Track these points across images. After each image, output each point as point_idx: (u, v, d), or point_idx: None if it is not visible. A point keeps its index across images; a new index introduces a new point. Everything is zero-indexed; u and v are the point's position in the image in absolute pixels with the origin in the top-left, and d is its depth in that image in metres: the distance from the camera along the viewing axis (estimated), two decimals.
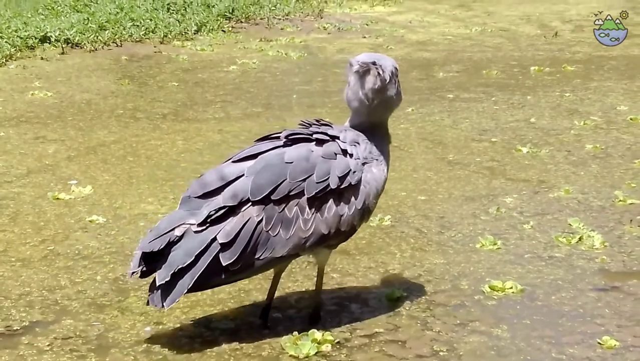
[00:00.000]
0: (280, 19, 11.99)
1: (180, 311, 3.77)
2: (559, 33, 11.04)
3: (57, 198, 5.17)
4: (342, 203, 3.48)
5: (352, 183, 3.48)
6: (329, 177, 3.43)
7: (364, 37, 10.94)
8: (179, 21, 10.89)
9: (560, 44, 10.40)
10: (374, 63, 3.52)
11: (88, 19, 10.50)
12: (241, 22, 11.71)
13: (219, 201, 3.38)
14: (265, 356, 3.43)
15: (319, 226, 3.45)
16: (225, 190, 3.41)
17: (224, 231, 3.33)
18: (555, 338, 3.57)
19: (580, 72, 8.80)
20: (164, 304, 3.28)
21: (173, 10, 11.48)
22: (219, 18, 11.43)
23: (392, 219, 4.83)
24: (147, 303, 3.41)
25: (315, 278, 3.74)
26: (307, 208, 3.43)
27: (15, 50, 9.29)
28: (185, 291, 3.30)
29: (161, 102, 7.59)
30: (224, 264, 3.32)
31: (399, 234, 4.65)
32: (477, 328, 3.65)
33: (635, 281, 4.10)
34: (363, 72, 3.52)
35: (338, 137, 3.53)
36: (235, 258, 3.33)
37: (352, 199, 3.51)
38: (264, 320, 3.70)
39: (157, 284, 3.28)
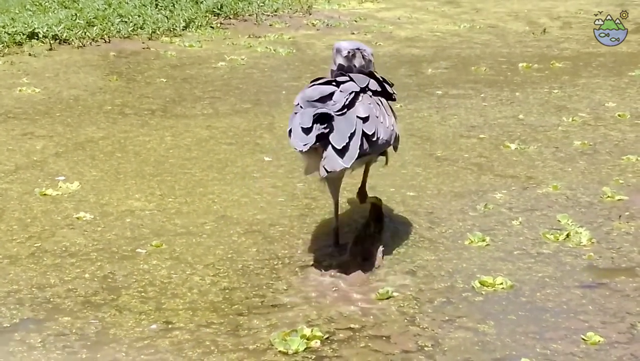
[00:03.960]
0: (268, 16, 11.97)
1: (184, 311, 3.78)
2: (547, 30, 11.04)
3: (45, 194, 5.15)
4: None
5: None
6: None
7: (353, 33, 10.93)
8: (167, 17, 10.86)
9: (549, 41, 10.41)
10: (358, 49, 4.35)
11: (76, 15, 10.46)
12: (229, 18, 11.68)
13: (347, 92, 4.06)
14: (251, 351, 3.44)
15: (394, 125, 4.31)
16: (339, 91, 4.08)
17: (361, 109, 4.03)
18: (539, 333, 3.59)
19: (569, 69, 8.81)
20: (344, 163, 3.82)
21: (161, 6, 11.45)
22: (207, 14, 11.40)
23: None
24: (323, 177, 3.90)
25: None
26: (389, 108, 4.35)
27: (2, 46, 9.26)
28: (358, 152, 3.87)
29: (149, 98, 7.57)
30: (368, 133, 3.97)
31: (387, 229, 4.65)
32: (464, 324, 3.66)
33: (623, 278, 4.11)
34: (351, 55, 4.32)
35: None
36: (373, 130, 3.99)
37: None
38: (336, 242, 4.40)
39: (339, 147, 3.83)
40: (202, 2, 11.73)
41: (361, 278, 4.06)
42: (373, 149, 4.07)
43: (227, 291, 3.97)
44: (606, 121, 6.81)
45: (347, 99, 4.01)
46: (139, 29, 10.35)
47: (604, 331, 3.60)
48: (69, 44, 9.69)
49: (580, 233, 4.55)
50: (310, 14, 12.22)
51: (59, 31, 9.71)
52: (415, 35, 10.95)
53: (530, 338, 3.56)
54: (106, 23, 10.30)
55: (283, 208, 5.00)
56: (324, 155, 3.84)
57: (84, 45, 9.66)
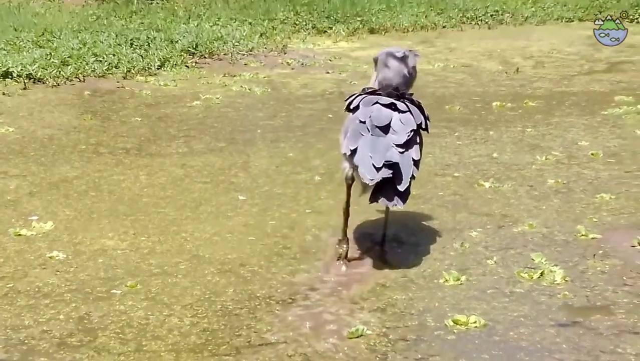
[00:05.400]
0: (244, 55, 12.00)
1: (167, 353, 3.74)
2: (521, 69, 11.12)
3: (19, 234, 5.12)
4: None
5: None
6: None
7: (328, 72, 10.97)
8: (142, 56, 10.86)
9: (522, 80, 10.48)
10: (410, 50, 4.87)
11: (50, 54, 10.44)
12: (205, 57, 11.69)
13: (408, 126, 4.54)
14: None
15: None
16: (399, 120, 4.55)
17: (414, 153, 4.52)
18: None
19: (542, 108, 8.86)
20: (399, 205, 4.44)
21: (136, 45, 11.44)
22: (182, 53, 11.40)
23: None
24: (372, 202, 4.50)
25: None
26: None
27: None
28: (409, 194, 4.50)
29: (124, 137, 7.56)
30: (414, 175, 4.51)
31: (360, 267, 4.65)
32: None
33: (598, 317, 4.11)
34: (405, 56, 4.79)
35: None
36: (417, 173, 4.55)
37: None
38: (344, 239, 4.79)
39: (402, 190, 4.41)
40: (177, 42, 11.75)
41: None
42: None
43: (208, 332, 3.95)
44: (579, 160, 6.85)
45: (408, 135, 4.51)
46: (113, 68, 10.33)
47: None
48: (44, 83, 9.65)
49: (555, 271, 4.56)
50: (285, 53, 12.26)
51: (33, 70, 9.68)
52: None
53: None
54: (81, 62, 10.27)
55: (253, 247, 4.99)
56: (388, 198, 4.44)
57: (58, 85, 9.63)
